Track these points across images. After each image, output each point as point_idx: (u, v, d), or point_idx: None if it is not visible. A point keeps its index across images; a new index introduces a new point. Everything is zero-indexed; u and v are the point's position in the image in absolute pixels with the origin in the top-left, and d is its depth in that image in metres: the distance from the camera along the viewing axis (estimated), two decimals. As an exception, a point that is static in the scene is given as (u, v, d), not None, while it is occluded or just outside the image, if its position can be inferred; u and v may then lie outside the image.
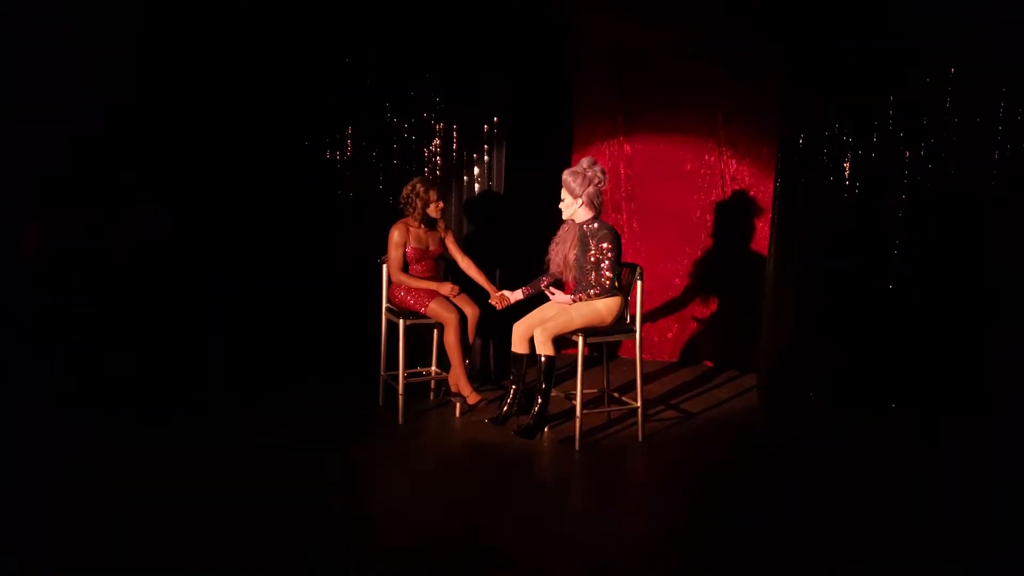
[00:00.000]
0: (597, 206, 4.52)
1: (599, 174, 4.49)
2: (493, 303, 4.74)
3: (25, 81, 4.92)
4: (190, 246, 5.54)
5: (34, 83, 4.94)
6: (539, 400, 4.50)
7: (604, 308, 4.46)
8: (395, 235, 4.82)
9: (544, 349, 4.41)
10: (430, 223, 4.90)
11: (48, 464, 4.08)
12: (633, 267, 4.54)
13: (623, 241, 4.70)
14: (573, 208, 4.50)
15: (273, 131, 5.65)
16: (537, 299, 4.77)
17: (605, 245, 4.41)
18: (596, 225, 4.48)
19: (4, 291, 4.68)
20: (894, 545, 3.46)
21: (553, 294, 4.54)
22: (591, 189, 4.46)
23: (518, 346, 4.57)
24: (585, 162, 4.50)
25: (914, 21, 4.75)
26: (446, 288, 4.77)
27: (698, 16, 5.76)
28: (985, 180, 4.82)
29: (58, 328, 4.79)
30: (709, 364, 6.22)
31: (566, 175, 4.50)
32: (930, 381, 4.99)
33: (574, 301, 4.44)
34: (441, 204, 4.87)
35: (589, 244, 4.46)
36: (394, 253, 4.82)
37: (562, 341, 4.71)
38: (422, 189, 4.81)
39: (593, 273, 4.46)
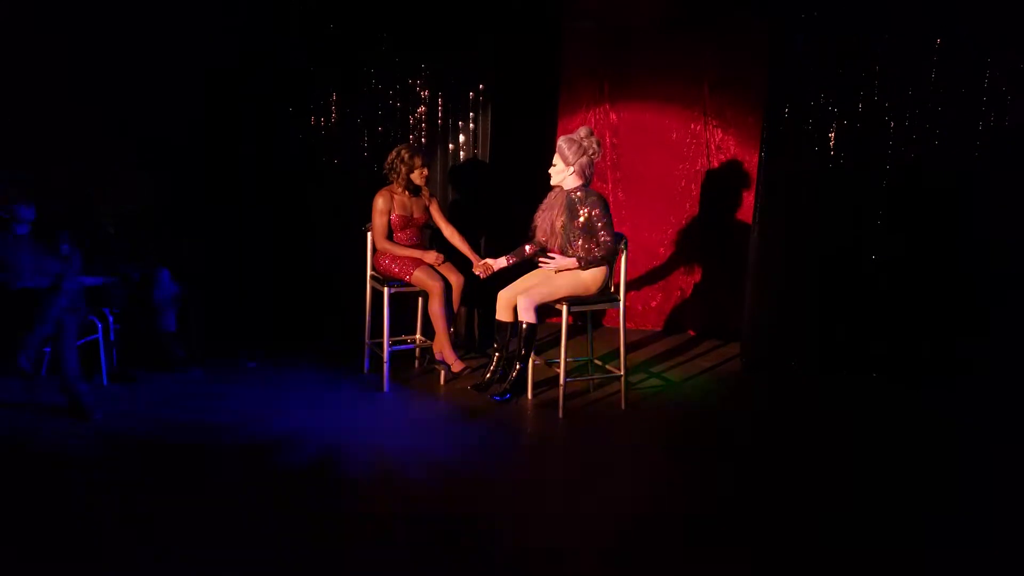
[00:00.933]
0: (588, 176, 4.50)
1: (594, 145, 4.47)
2: (476, 272, 4.74)
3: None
4: (173, 211, 5.51)
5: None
6: (517, 366, 4.52)
7: (588, 277, 4.47)
8: (379, 202, 4.80)
9: (526, 316, 4.43)
10: (415, 190, 4.88)
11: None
12: (618, 236, 4.54)
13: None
14: (564, 175, 4.49)
15: (258, 97, 5.61)
16: (522, 267, 4.77)
17: (596, 211, 4.41)
18: (583, 193, 4.47)
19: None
20: (877, 510, 3.52)
21: (554, 259, 4.53)
22: (584, 159, 4.44)
23: (503, 314, 4.58)
24: (583, 131, 4.47)
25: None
26: (431, 256, 4.77)
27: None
28: (969, 151, 4.85)
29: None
30: (692, 333, 6.26)
31: (561, 141, 4.48)
32: (910, 351, 5.05)
33: (580, 267, 4.43)
34: (426, 171, 4.85)
35: (577, 211, 4.46)
36: (378, 220, 4.80)
37: (546, 310, 4.74)
38: (407, 155, 4.78)
39: (582, 239, 4.45)
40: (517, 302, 4.46)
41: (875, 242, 5.05)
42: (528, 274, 4.67)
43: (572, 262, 4.44)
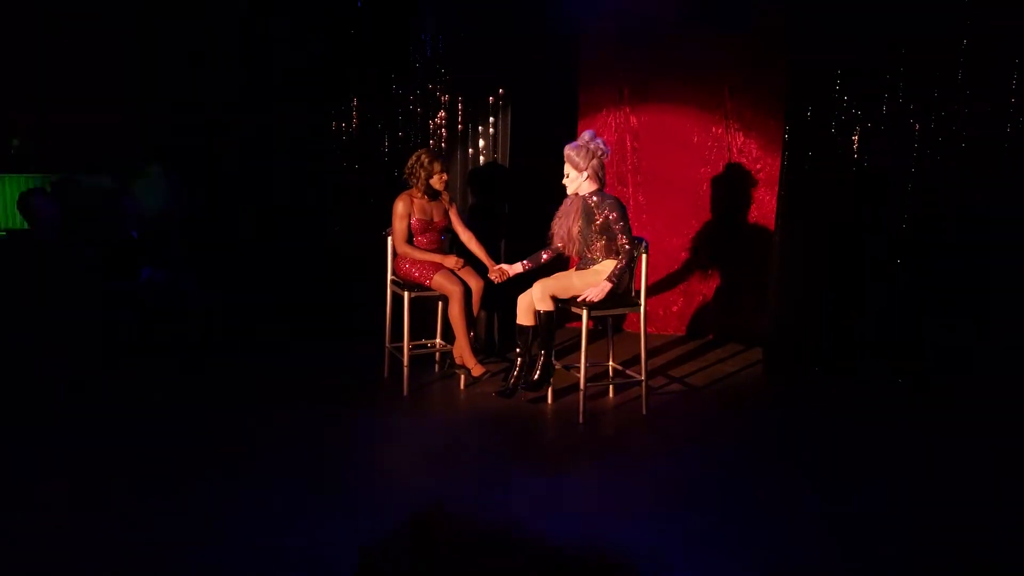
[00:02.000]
0: (601, 178, 4.49)
1: (601, 146, 4.46)
2: (492, 277, 4.74)
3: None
4: (202, 216, 5.58)
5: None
6: (542, 353, 4.51)
7: (604, 274, 4.44)
8: (399, 207, 4.81)
9: (542, 305, 4.43)
10: (434, 195, 4.88)
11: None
12: (639, 240, 4.52)
13: (629, 215, 4.67)
14: (578, 182, 4.48)
15: (280, 104, 5.66)
16: (539, 273, 4.76)
17: (613, 215, 4.39)
18: (599, 197, 4.45)
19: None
20: (906, 520, 3.47)
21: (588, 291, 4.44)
22: (595, 162, 4.43)
23: (523, 318, 4.57)
24: (586, 135, 4.47)
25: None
26: (450, 261, 4.77)
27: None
28: (996, 154, 4.78)
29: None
30: (714, 337, 6.21)
31: (568, 150, 4.46)
32: (937, 355, 4.98)
33: (614, 284, 4.39)
34: (445, 176, 4.85)
35: (594, 215, 4.44)
36: (398, 225, 4.81)
37: (566, 315, 4.72)
38: (426, 160, 4.79)
39: (601, 241, 4.44)
40: (533, 291, 4.46)
41: (900, 246, 4.98)
42: (547, 277, 4.65)
43: (605, 286, 4.39)
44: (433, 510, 1.19)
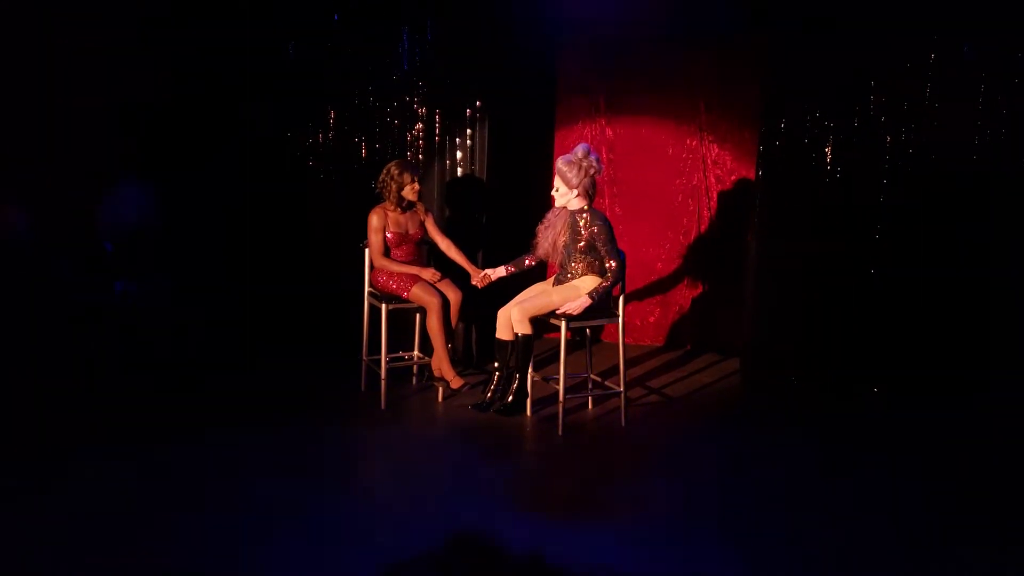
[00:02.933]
0: (591, 195, 4.48)
1: (595, 164, 4.41)
2: (475, 283, 4.73)
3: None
4: (170, 228, 5.52)
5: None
6: (517, 377, 4.50)
7: (584, 289, 4.45)
8: (373, 220, 4.79)
9: (521, 328, 4.41)
10: (408, 206, 4.87)
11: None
12: (621, 255, 4.52)
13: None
14: (568, 198, 4.45)
15: (256, 116, 5.63)
16: (522, 283, 4.76)
17: (601, 236, 4.38)
18: (587, 214, 4.44)
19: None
20: (885, 534, 3.50)
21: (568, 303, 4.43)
22: (587, 180, 4.41)
23: (503, 332, 4.55)
24: (580, 151, 4.41)
25: (894, 10, 4.77)
26: (427, 273, 4.76)
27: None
28: (966, 166, 4.86)
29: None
30: (691, 348, 6.24)
31: (561, 164, 4.42)
32: (911, 366, 5.03)
33: (593, 299, 4.37)
34: (417, 186, 4.83)
35: (580, 232, 4.43)
36: (374, 238, 4.79)
37: (545, 326, 4.72)
38: (396, 172, 4.78)
39: (583, 258, 4.44)
40: (511, 314, 4.44)
41: (874, 256, 5.03)
42: (526, 290, 4.66)
43: (585, 300, 4.38)
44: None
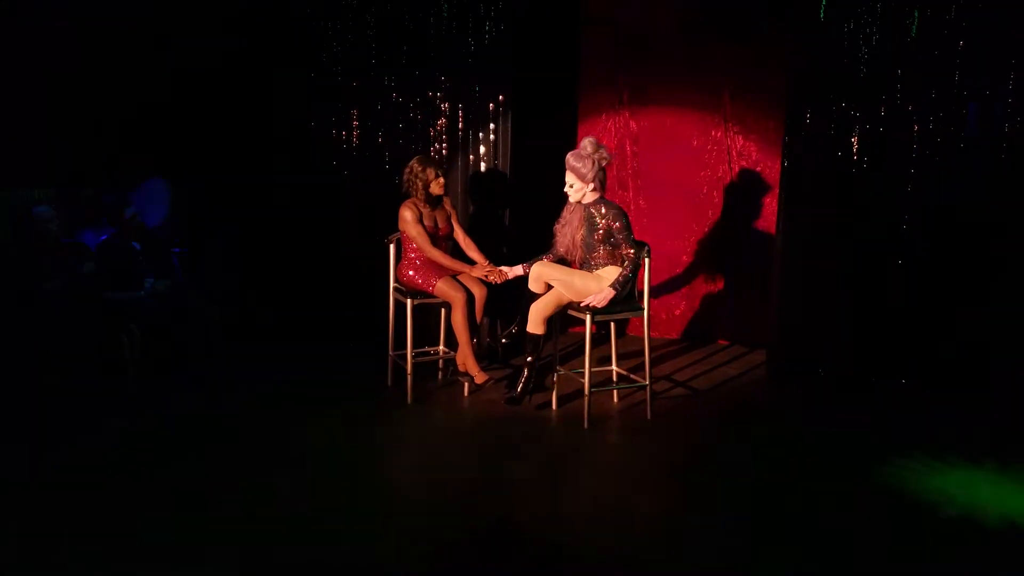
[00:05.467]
0: (604, 186, 4.49)
1: (604, 154, 4.43)
2: (490, 278, 4.70)
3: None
4: (197, 227, 5.60)
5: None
6: (525, 372, 4.55)
7: (607, 280, 4.44)
8: (407, 213, 4.76)
9: (533, 328, 4.45)
10: (435, 201, 4.87)
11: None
12: (641, 245, 4.52)
13: (630, 219, 4.66)
14: (584, 192, 4.46)
15: (280, 114, 5.69)
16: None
17: (616, 224, 4.39)
18: (602, 206, 4.45)
19: None
20: (909, 531, 3.47)
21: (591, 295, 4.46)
22: (600, 172, 4.42)
23: (535, 327, 4.54)
24: (588, 144, 4.42)
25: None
26: (477, 270, 4.74)
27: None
28: (995, 154, 4.79)
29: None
30: (719, 342, 6.21)
31: (571, 160, 4.43)
32: (940, 357, 4.98)
33: (617, 291, 4.39)
34: (442, 180, 4.82)
35: (596, 223, 4.44)
36: (414, 230, 4.74)
37: (569, 319, 4.72)
38: (419, 169, 4.77)
39: (603, 248, 4.45)
40: (530, 312, 4.45)
41: (901, 246, 4.98)
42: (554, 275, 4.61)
43: (608, 292, 4.39)
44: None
